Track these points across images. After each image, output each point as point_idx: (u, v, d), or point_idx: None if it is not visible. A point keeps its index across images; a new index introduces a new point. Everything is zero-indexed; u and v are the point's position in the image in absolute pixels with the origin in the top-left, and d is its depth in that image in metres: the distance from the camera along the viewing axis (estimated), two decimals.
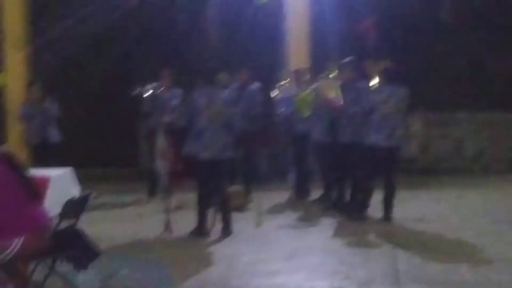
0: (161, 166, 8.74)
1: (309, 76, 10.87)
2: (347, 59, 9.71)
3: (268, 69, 12.65)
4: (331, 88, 9.66)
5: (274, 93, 11.18)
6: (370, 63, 9.67)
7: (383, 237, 8.41)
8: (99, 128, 14.25)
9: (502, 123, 13.82)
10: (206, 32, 14.65)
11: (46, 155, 11.06)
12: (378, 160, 9.12)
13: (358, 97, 9.33)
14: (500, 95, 13.63)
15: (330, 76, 9.74)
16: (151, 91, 10.52)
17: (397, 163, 9.44)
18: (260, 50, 13.43)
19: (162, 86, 10.76)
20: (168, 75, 11.04)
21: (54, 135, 11.38)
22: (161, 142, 8.71)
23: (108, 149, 14.21)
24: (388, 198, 9.25)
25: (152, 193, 11.02)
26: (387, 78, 9.18)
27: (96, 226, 8.64)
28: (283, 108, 11.08)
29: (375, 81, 9.35)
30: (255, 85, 10.97)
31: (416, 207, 10.17)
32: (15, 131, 12.30)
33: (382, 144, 9.03)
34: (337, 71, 9.67)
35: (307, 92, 10.21)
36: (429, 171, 13.52)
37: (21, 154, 11.50)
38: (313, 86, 10.14)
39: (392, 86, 9.11)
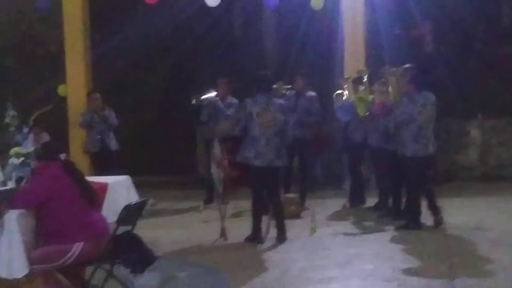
0: (216, 173, 8.84)
1: (366, 80, 10.78)
2: (404, 67, 9.61)
3: (325, 75, 12.68)
4: (387, 93, 9.61)
5: (333, 101, 11.17)
6: (388, 70, 9.54)
7: (439, 245, 8.35)
8: (158, 136, 14.51)
9: None
10: (262, 39, 14.77)
11: (106, 162, 11.27)
12: (419, 170, 9.09)
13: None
14: None
15: (387, 82, 9.68)
16: (207, 101, 10.73)
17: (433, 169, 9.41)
18: (316, 56, 13.46)
19: (219, 95, 10.94)
20: (224, 84, 11.18)
21: (113, 143, 11.60)
22: (216, 149, 8.81)
23: (167, 156, 14.44)
24: (432, 203, 9.23)
25: (208, 200, 11.14)
26: (418, 86, 9.07)
27: (154, 232, 8.84)
28: (341, 117, 11.08)
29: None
30: (311, 93, 10.98)
31: (473, 215, 10.03)
32: (77, 139, 12.56)
33: (421, 154, 9.01)
34: (393, 78, 9.58)
35: (365, 91, 10.17)
36: (489, 179, 13.32)
37: (82, 162, 11.77)
38: (372, 88, 10.11)
39: (423, 94, 9.03)
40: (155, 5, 12.45)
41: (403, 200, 9.70)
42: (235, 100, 11.01)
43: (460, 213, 10.13)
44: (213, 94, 10.90)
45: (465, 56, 13.89)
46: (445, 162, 13.50)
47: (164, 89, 14.15)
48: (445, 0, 13.70)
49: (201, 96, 10.82)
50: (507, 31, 14.38)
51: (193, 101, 10.81)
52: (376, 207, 10.49)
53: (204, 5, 11.82)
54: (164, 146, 14.55)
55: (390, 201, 10.10)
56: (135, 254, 6.20)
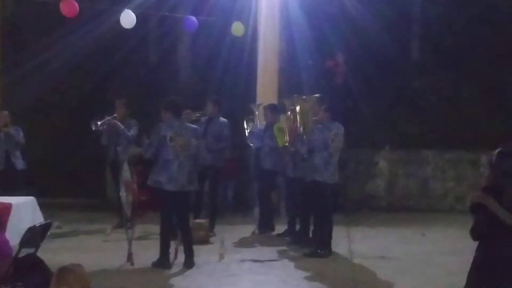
0: (125, 196, 8.73)
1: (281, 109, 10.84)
2: (315, 96, 9.76)
3: (239, 103, 12.76)
4: (295, 121, 9.69)
5: (244, 127, 11.23)
6: (298, 98, 9.71)
7: (345, 273, 8.47)
8: (67, 157, 14.28)
9: (468, 163, 13.94)
10: (177, 64, 14.78)
11: (11, 182, 10.98)
12: (329, 196, 9.28)
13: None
14: (467, 134, 13.79)
15: (297, 110, 9.77)
16: (106, 125, 10.72)
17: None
18: (232, 83, 13.56)
19: (118, 117, 11.00)
20: (122, 106, 11.21)
21: (20, 162, 11.31)
22: (126, 172, 8.71)
23: (76, 178, 14.22)
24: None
25: (120, 224, 10.94)
26: (333, 115, 9.28)
27: (58, 255, 8.60)
28: (252, 143, 11.15)
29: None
30: (222, 119, 11.01)
31: (379, 243, 10.24)
32: None
33: (330, 181, 9.20)
34: (302, 105, 9.67)
35: (285, 122, 10.26)
36: (394, 209, 13.62)
37: None
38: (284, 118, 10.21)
39: (336, 124, 9.26)
40: (71, 27, 12.31)
41: (311, 227, 9.83)
42: (134, 121, 11.20)
43: (367, 241, 10.34)
44: (110, 117, 10.98)
45: (375, 88, 14.24)
46: (353, 191, 13.77)
47: (76, 110, 13.94)
48: (358, 33, 14.04)
49: (99, 121, 10.82)
50: (416, 66, 14.83)
51: (93, 127, 10.80)
52: (285, 233, 10.57)
53: (122, 28, 11.75)
54: (73, 168, 14.32)
55: (299, 228, 10.22)
56: (37, 277, 6.08)
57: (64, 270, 4.26)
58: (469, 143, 13.65)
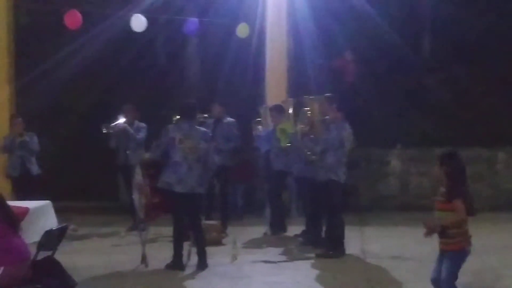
0: (138, 199, 8.80)
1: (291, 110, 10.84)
2: (325, 95, 9.76)
3: (248, 104, 12.80)
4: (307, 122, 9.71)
5: (253, 129, 11.25)
6: (309, 98, 9.73)
7: (359, 274, 8.46)
8: (80, 161, 14.37)
9: (484, 160, 13.81)
10: (185, 67, 14.84)
11: (27, 187, 11.11)
12: (342, 195, 9.28)
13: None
14: (482, 131, 13.70)
15: (308, 111, 9.78)
16: (117, 128, 10.93)
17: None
18: (241, 85, 13.60)
19: (126, 121, 11.16)
20: (130, 110, 11.36)
21: (35, 168, 11.44)
22: (138, 175, 8.78)
23: (90, 182, 14.30)
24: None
25: (134, 227, 11.00)
26: (345, 114, 9.28)
27: (74, 257, 8.72)
28: (261, 144, 11.16)
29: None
30: (229, 119, 11.07)
31: (393, 243, 10.20)
32: None
33: (343, 180, 9.21)
34: (315, 105, 9.69)
35: (287, 123, 10.26)
36: (408, 208, 13.55)
37: (4, 186, 11.53)
38: (294, 119, 10.22)
39: (346, 123, 9.26)
40: (81, 32, 12.41)
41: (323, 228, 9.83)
42: (142, 124, 11.36)
43: (380, 241, 10.31)
44: (122, 120, 11.15)
45: (385, 86, 14.20)
46: (366, 191, 13.74)
47: (88, 115, 14.05)
48: (367, 31, 14.03)
49: (111, 124, 10.95)
50: (427, 62, 14.77)
51: (104, 130, 10.93)
52: (302, 235, 10.50)
53: (130, 32, 11.84)
54: (86, 172, 14.40)
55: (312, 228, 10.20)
56: (55, 279, 6.17)
57: None
58: (485, 139, 13.54)
